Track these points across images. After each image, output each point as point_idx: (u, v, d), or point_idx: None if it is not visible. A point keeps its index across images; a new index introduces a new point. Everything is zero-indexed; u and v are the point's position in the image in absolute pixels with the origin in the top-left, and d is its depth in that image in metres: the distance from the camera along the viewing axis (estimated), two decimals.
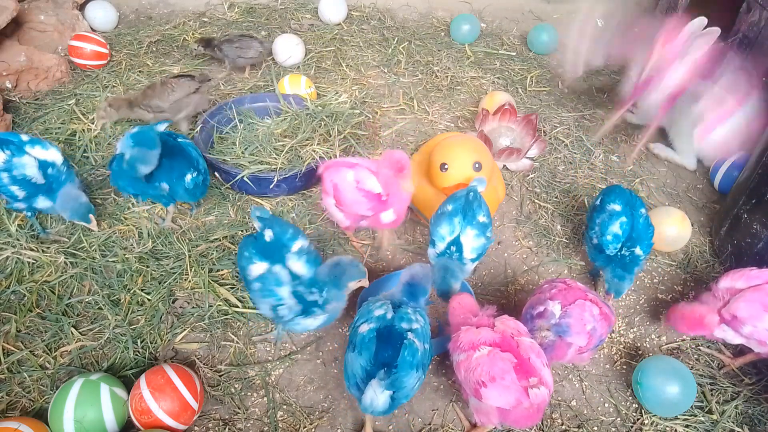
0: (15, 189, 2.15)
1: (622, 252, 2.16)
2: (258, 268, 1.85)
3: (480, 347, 1.65)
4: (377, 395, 1.57)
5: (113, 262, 2.27)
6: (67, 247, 2.30)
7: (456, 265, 2.04)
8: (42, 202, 2.24)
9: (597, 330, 1.82)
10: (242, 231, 2.45)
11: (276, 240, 1.90)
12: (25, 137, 2.18)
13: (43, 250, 2.27)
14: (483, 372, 1.60)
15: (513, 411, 1.60)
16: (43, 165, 2.18)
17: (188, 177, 2.31)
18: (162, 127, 2.34)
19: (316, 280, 1.85)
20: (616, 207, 2.20)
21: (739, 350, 2.17)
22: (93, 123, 2.85)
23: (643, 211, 2.20)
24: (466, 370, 1.66)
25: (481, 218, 2.08)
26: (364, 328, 1.68)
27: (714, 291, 1.98)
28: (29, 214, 2.31)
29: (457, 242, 2.05)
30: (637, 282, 2.45)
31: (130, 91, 2.86)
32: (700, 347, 2.20)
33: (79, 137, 2.81)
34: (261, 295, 1.86)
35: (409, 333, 1.66)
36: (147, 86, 2.80)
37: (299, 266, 1.89)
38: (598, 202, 2.29)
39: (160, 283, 2.21)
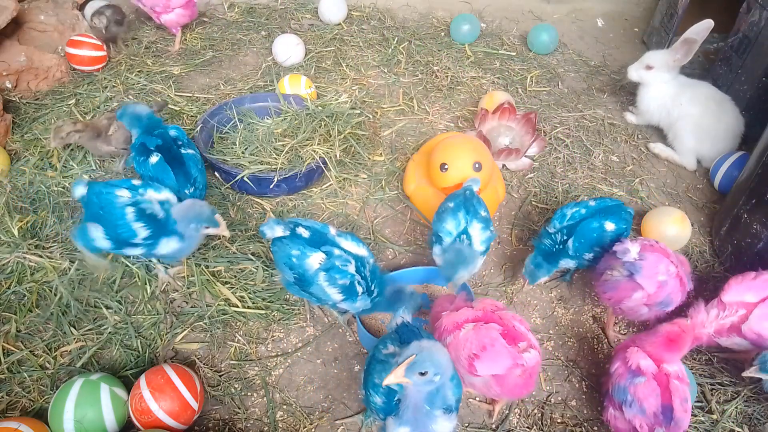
0: (138, 227, 1.95)
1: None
2: (315, 257, 1.84)
3: (464, 326, 1.71)
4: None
5: (114, 261, 2.28)
6: (72, 251, 2.29)
7: (469, 251, 2.03)
8: (165, 246, 2.02)
9: (668, 285, 1.91)
10: (242, 231, 2.45)
11: (314, 231, 1.91)
12: (136, 182, 2.05)
13: (47, 256, 2.25)
14: (472, 345, 1.65)
15: (508, 379, 1.64)
16: (162, 204, 2.03)
17: (186, 192, 2.28)
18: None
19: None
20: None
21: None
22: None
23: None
24: (455, 349, 1.70)
25: (483, 213, 2.10)
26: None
27: (721, 304, 1.97)
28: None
29: (466, 232, 2.05)
30: None
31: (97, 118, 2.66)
32: (698, 347, 2.20)
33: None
34: (330, 283, 1.85)
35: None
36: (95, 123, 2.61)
37: (351, 245, 1.92)
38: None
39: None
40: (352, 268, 1.88)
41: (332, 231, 1.95)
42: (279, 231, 1.89)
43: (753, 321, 1.90)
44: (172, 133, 2.33)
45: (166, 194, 2.06)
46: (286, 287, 2.00)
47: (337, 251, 1.88)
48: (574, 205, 2.22)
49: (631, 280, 1.95)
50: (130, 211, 1.95)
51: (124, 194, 1.98)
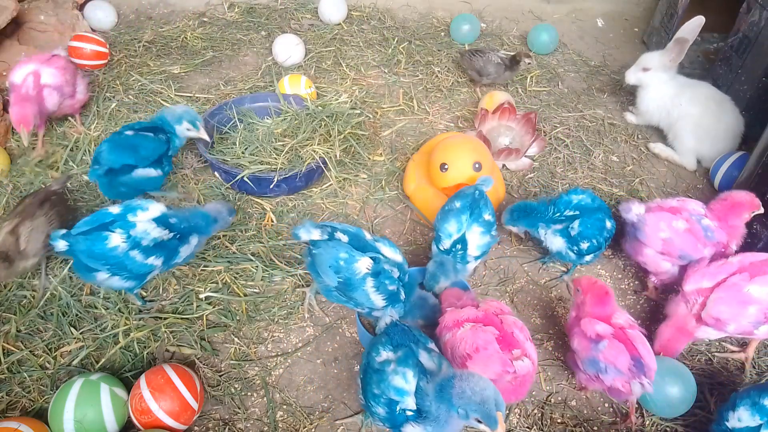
0: (152, 260, 1.93)
1: None
2: (363, 262, 1.82)
3: (463, 324, 1.72)
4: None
5: None
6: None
7: (451, 264, 2.05)
8: (185, 251, 2.05)
9: (674, 242, 2.08)
10: (242, 231, 2.45)
11: (352, 236, 1.90)
12: (114, 209, 1.92)
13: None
14: (467, 345, 1.66)
15: (498, 384, 1.62)
16: (159, 220, 1.96)
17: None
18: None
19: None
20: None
21: (743, 342, 2.18)
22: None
23: None
24: (451, 347, 1.71)
25: (487, 216, 2.10)
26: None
27: (684, 295, 1.99)
28: (136, 291, 2.07)
29: (462, 240, 2.07)
30: (636, 282, 2.45)
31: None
32: (698, 347, 2.20)
33: (79, 139, 2.81)
34: (377, 289, 1.83)
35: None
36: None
37: (389, 251, 1.91)
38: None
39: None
40: (396, 274, 1.86)
41: (368, 236, 1.93)
42: (317, 234, 1.86)
43: (710, 306, 1.90)
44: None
45: (154, 209, 1.96)
46: (323, 293, 1.99)
47: (381, 256, 1.87)
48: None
49: (636, 238, 2.09)
50: (135, 254, 1.89)
51: (117, 240, 1.85)
